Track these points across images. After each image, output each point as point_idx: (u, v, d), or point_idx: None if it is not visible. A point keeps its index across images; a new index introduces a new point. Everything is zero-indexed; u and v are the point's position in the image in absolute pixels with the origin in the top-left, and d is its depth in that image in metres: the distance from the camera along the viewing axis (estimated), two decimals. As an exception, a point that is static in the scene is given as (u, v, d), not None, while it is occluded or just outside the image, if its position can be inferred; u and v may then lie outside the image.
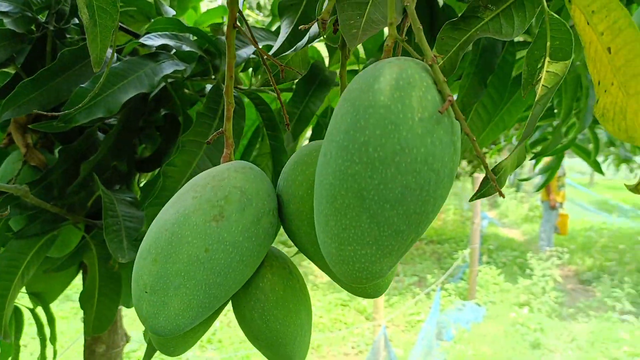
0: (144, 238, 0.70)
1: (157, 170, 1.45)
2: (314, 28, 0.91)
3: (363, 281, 0.59)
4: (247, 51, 1.35)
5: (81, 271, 1.58)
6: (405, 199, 0.53)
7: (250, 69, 1.55)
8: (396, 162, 0.52)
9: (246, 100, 1.40)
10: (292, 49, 0.91)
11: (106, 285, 1.28)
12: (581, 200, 17.01)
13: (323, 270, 0.76)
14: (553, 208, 11.23)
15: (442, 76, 0.53)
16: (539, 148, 2.57)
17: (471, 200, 0.62)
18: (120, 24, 1.45)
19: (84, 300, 1.28)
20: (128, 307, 1.49)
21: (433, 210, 0.56)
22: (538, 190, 2.57)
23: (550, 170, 2.45)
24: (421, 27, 0.56)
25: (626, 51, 0.46)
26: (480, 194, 0.59)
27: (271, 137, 1.27)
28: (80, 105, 0.88)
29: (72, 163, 1.23)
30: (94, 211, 1.30)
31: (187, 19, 1.88)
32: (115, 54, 1.22)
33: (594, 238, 11.96)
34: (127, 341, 1.74)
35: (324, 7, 0.81)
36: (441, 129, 0.53)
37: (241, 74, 1.52)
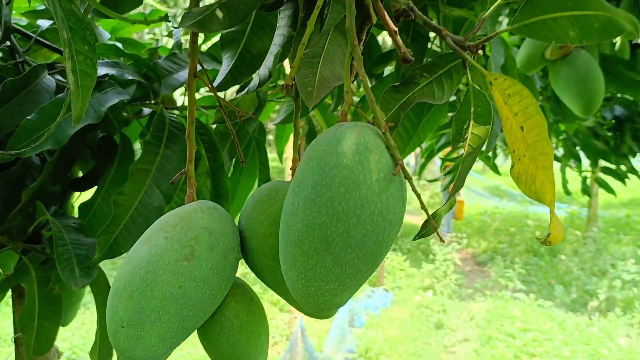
0: (117, 276, 0.76)
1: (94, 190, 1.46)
2: (263, 71, 1.00)
3: (325, 311, 0.70)
4: (183, 75, 1.40)
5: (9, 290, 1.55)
6: (364, 244, 0.64)
7: (182, 88, 1.59)
8: (357, 215, 0.63)
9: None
10: (245, 92, 0.99)
11: (46, 308, 1.29)
12: (475, 187, 18.23)
13: (282, 297, 0.86)
14: (451, 195, 12.00)
15: (393, 142, 0.65)
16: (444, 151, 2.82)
17: (414, 239, 0.74)
18: (48, 42, 1.44)
19: (24, 323, 1.28)
20: (64, 325, 1.50)
21: (386, 251, 0.67)
22: (444, 189, 2.80)
23: (455, 173, 2.70)
24: (375, 100, 0.67)
25: (535, 133, 0.60)
26: (421, 234, 0.71)
27: (210, 159, 1.33)
28: (37, 144, 0.91)
29: (10, 189, 1.22)
30: (32, 234, 1.30)
31: (104, 25, 1.86)
32: (54, 79, 1.22)
33: (488, 222, 12.90)
34: (59, 357, 1.73)
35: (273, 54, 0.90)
36: (393, 187, 0.64)
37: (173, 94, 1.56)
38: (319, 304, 0.68)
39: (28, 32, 1.40)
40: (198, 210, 0.80)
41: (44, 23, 1.39)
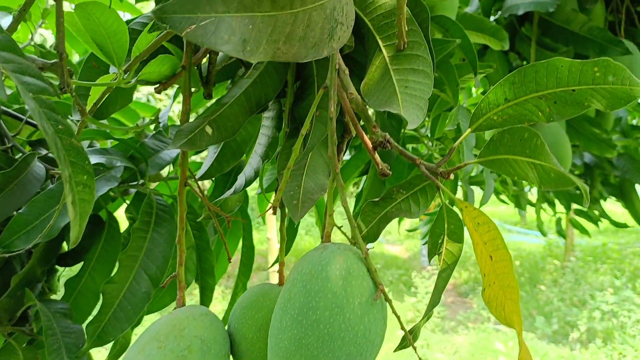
0: None
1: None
2: (249, 171, 1.05)
3: None
4: (169, 153, 1.45)
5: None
6: None
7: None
8: (342, 337, 0.68)
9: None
10: (232, 191, 1.04)
11: (33, 388, 1.30)
12: (456, 216, 18.36)
13: None
14: (432, 226, 12.11)
15: (374, 266, 0.70)
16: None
17: (394, 351, 0.79)
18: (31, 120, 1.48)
19: (10, 405, 1.29)
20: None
21: None
22: (424, 237, 2.86)
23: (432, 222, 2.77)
24: (356, 226, 0.72)
25: (502, 265, 0.65)
26: (400, 347, 0.76)
27: (196, 237, 1.37)
28: (31, 245, 0.94)
29: (-3, 274, 1.25)
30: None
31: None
32: (43, 166, 1.26)
33: (468, 252, 12.95)
34: None
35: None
36: (375, 309, 0.69)
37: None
38: None
39: (16, 114, 1.44)
40: (190, 317, 0.83)
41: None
